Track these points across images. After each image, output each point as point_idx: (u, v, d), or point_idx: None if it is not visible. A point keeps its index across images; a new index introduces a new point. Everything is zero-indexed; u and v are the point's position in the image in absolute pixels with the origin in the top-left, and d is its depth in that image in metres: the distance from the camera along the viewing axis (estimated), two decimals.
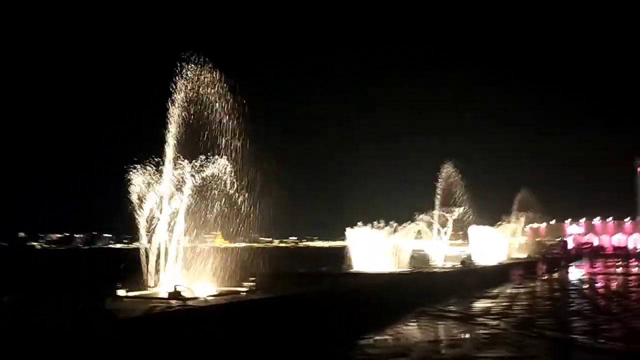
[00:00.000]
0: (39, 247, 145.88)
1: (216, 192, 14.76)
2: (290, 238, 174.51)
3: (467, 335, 11.73)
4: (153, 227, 15.21)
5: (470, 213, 35.41)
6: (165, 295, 12.07)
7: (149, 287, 13.64)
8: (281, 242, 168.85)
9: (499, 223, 44.28)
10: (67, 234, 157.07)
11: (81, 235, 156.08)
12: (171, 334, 9.17)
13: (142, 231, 14.92)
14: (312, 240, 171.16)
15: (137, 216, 14.63)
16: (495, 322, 13.54)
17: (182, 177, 15.04)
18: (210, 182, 14.78)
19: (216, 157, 14.82)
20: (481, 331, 12.33)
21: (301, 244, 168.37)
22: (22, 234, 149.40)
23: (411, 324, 13.28)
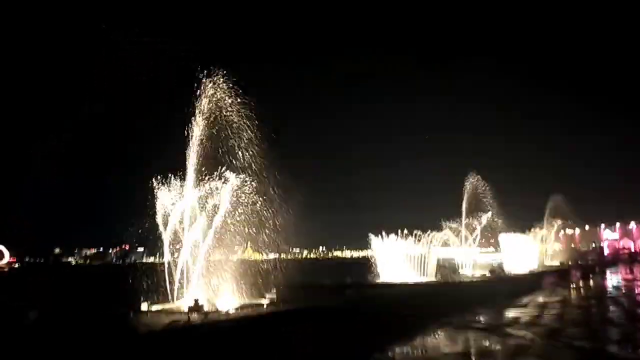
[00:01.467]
0: (74, 262, 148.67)
1: (243, 207, 14.90)
2: (320, 248, 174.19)
3: (491, 347, 11.42)
4: (179, 242, 15.44)
5: (500, 220, 34.79)
6: (186, 309, 12.18)
7: (172, 301, 13.79)
8: (310, 252, 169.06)
9: (532, 230, 43.45)
10: (102, 249, 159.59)
11: (115, 250, 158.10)
12: (190, 346, 9.21)
13: (167, 246, 15.15)
14: (341, 250, 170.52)
15: (162, 231, 14.90)
16: (522, 333, 13.17)
17: (207, 193, 15.23)
18: (236, 198, 14.90)
19: (242, 175, 14.94)
20: (507, 342, 12.02)
21: (330, 255, 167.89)
22: (57, 250, 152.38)
23: (435, 335, 13.03)
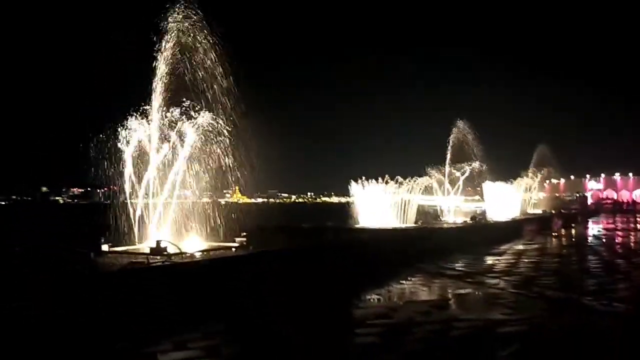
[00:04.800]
0: (61, 201, 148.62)
1: (223, 146, 14.33)
2: (308, 194, 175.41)
3: (463, 295, 11.16)
4: (146, 183, 14.99)
5: (486, 168, 34.62)
6: (148, 251, 11.73)
7: (135, 242, 13.39)
8: (299, 197, 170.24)
9: (517, 179, 43.50)
10: (89, 189, 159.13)
11: (103, 190, 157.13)
12: (142, 288, 8.81)
13: (127, 187, 14.76)
14: (329, 196, 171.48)
15: (125, 171, 14.45)
16: (494, 281, 12.95)
17: (181, 131, 14.58)
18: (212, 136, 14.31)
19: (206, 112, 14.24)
20: (476, 291, 11.79)
21: (318, 200, 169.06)
22: (44, 189, 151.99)
23: (404, 282, 12.73)
